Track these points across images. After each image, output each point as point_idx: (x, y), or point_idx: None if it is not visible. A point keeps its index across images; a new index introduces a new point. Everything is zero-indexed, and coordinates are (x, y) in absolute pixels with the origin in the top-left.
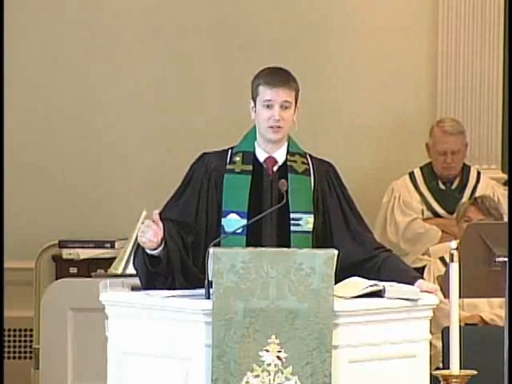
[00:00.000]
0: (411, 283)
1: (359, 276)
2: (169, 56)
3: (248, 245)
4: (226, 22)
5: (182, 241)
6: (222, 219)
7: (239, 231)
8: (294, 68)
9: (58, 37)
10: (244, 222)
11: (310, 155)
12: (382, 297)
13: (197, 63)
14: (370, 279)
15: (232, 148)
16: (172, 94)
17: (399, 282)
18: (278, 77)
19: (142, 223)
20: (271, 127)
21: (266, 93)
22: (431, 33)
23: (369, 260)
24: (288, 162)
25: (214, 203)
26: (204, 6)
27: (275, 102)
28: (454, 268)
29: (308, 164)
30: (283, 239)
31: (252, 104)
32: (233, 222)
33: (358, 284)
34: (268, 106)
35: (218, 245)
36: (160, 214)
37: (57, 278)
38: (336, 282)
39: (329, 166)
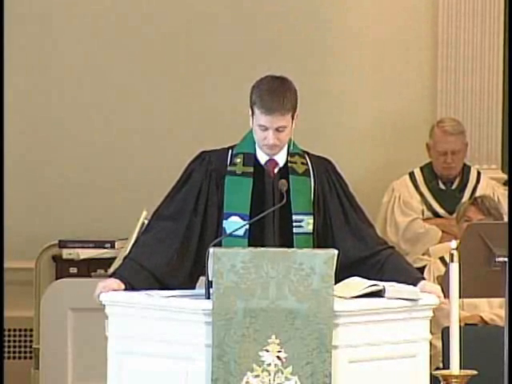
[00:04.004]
0: (414, 284)
1: (361, 273)
2: (169, 55)
3: (250, 247)
4: (228, 23)
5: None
6: (224, 221)
7: (241, 234)
8: (295, 68)
9: (55, 37)
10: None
11: (307, 153)
12: (382, 297)
13: (197, 63)
14: (371, 277)
15: (232, 148)
16: (172, 93)
17: (401, 282)
18: (274, 101)
19: (143, 223)
20: (267, 146)
21: (260, 117)
22: (431, 33)
23: (371, 257)
24: (289, 164)
25: (214, 205)
26: (207, 6)
27: (270, 127)
28: (454, 268)
29: (307, 164)
30: (286, 241)
31: (250, 112)
32: (235, 225)
33: (358, 284)
34: (263, 129)
35: (218, 246)
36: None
37: (57, 278)
38: (336, 282)
39: (327, 163)
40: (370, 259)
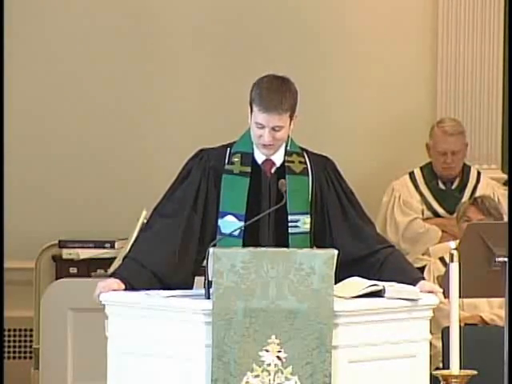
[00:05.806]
0: (413, 284)
1: (361, 272)
2: (168, 55)
3: (245, 247)
4: (226, 24)
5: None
6: (219, 220)
7: (236, 234)
8: (295, 68)
9: (53, 36)
10: (241, 224)
11: (306, 151)
12: (382, 297)
13: (196, 63)
14: (371, 276)
15: (230, 146)
16: (171, 94)
17: (401, 282)
18: (272, 100)
19: (143, 223)
20: (262, 144)
21: (257, 115)
22: (431, 33)
23: (370, 255)
24: (286, 163)
25: (213, 202)
26: (204, 9)
27: (266, 126)
28: (454, 268)
29: (305, 162)
30: (281, 241)
31: (249, 109)
32: (230, 224)
33: (358, 284)
34: (260, 127)
35: (213, 245)
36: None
37: (57, 278)
38: (336, 281)
39: (326, 160)
40: (370, 258)
